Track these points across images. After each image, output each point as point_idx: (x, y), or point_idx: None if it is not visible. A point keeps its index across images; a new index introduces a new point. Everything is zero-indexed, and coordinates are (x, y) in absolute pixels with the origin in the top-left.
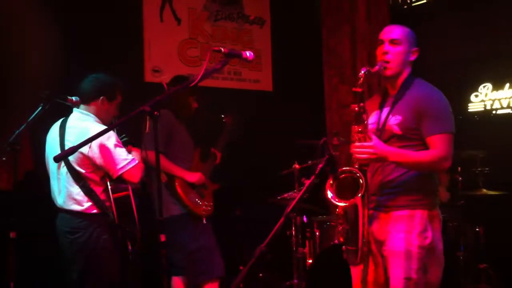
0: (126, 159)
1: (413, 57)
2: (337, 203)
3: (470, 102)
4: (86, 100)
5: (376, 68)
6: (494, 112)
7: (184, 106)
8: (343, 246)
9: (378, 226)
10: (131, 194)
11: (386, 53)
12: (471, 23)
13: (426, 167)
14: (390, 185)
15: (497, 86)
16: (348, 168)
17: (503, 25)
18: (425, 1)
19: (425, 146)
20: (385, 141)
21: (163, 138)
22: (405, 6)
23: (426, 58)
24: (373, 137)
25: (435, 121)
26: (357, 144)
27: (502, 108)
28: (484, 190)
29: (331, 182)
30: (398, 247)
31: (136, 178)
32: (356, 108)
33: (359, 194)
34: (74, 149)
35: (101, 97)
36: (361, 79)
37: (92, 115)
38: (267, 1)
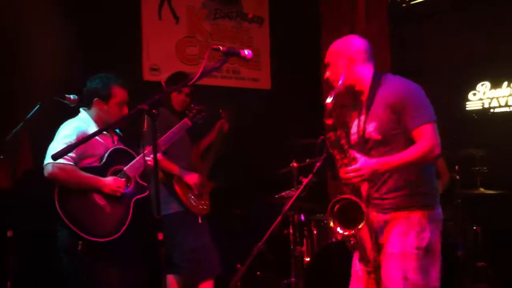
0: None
1: (357, 63)
2: (343, 233)
3: (468, 100)
4: (86, 104)
5: (333, 92)
6: (492, 110)
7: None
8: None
9: (379, 229)
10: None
11: (327, 78)
12: (469, 22)
13: (419, 161)
14: (387, 187)
15: (495, 84)
16: (346, 195)
17: (501, 24)
18: None
19: (407, 144)
20: (371, 148)
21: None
22: (404, 5)
23: (424, 56)
24: (358, 156)
25: (415, 114)
26: (344, 169)
27: (500, 106)
28: (482, 189)
29: (330, 210)
30: (395, 249)
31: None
32: (333, 137)
33: (362, 223)
34: (71, 147)
35: (95, 99)
36: (329, 108)
37: (89, 118)
38: (266, 0)
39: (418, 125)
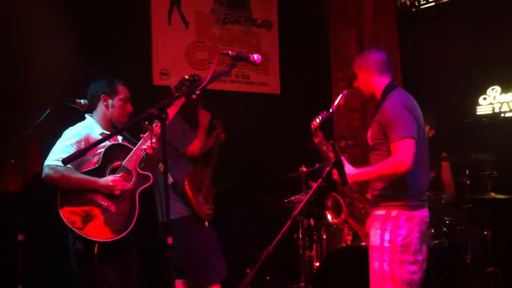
0: (52, 158)
1: (373, 76)
2: (333, 220)
3: (479, 105)
4: (92, 107)
5: (322, 115)
6: (502, 115)
7: (191, 109)
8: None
9: (368, 222)
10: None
11: (357, 87)
12: (479, 26)
13: (389, 174)
14: (373, 187)
15: (506, 89)
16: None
17: None
18: (433, 3)
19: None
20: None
21: (179, 136)
22: (413, 9)
23: (434, 60)
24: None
25: (391, 131)
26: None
27: (510, 111)
28: (492, 194)
29: (325, 204)
30: (375, 242)
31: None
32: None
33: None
34: (80, 152)
35: (101, 96)
36: (312, 129)
37: (94, 121)
38: (274, 5)
39: (392, 141)
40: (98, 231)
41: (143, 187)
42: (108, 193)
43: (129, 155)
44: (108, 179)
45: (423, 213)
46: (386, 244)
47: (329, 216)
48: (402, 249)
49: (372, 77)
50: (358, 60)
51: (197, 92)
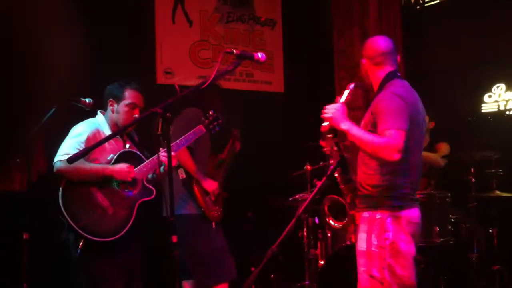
0: (62, 153)
1: (372, 65)
2: (336, 225)
3: (484, 102)
4: (104, 107)
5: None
6: (507, 112)
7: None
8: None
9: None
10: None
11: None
12: (484, 23)
13: (375, 149)
14: (358, 186)
15: (511, 86)
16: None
17: None
18: (438, 1)
19: None
20: None
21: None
22: (418, 7)
23: (439, 58)
24: (341, 104)
25: (384, 120)
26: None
27: None
28: (498, 192)
29: (322, 209)
30: (361, 247)
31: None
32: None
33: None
34: (86, 150)
35: (109, 100)
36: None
37: (104, 120)
38: (278, 3)
39: (383, 129)
40: (90, 228)
41: (144, 199)
42: (121, 179)
43: (141, 166)
44: (124, 164)
45: (411, 214)
46: (374, 249)
47: (331, 222)
48: (392, 253)
49: (374, 65)
50: (364, 46)
51: (217, 130)
